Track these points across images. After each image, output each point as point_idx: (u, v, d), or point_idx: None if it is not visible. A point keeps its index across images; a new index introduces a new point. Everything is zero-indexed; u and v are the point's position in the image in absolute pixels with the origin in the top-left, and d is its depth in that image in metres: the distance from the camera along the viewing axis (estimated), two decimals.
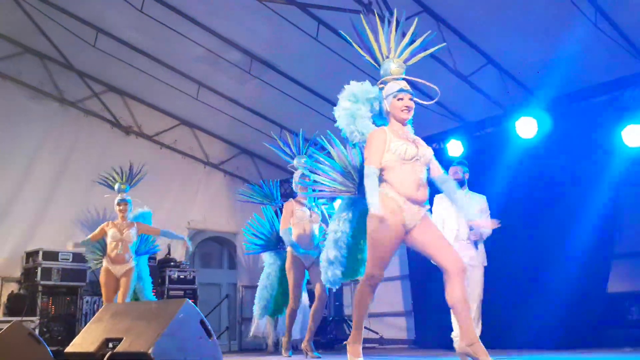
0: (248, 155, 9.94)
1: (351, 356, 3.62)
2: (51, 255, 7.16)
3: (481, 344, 3.28)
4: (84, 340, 3.11)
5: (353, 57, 6.72)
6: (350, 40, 3.86)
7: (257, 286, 5.97)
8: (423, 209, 3.48)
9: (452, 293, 3.31)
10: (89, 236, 6.30)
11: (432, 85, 3.72)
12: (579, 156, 6.20)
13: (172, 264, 8.36)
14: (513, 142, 6.50)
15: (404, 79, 3.62)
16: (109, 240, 6.20)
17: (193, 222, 9.40)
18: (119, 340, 2.87)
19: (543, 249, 6.38)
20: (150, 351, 2.63)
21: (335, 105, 7.99)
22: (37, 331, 6.21)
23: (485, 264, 5.00)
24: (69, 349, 3.18)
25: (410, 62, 3.69)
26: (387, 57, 3.67)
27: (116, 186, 6.45)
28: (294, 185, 5.73)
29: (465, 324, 3.30)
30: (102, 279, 6.15)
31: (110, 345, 2.93)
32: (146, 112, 8.87)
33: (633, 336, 5.77)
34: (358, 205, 3.80)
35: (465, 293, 3.32)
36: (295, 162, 5.77)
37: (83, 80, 8.23)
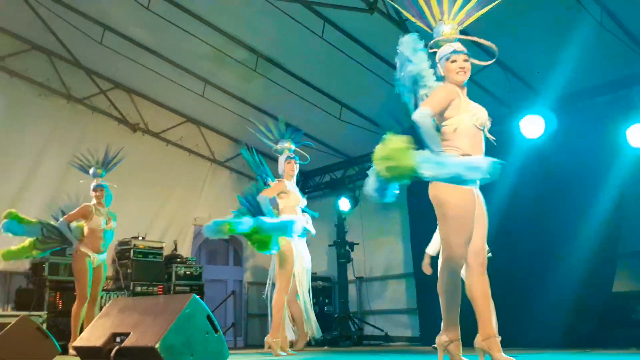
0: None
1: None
2: (59, 251, 7.17)
3: (497, 339, 3.20)
4: (91, 335, 3.14)
5: (359, 56, 6.77)
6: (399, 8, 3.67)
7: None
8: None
9: (470, 287, 3.23)
10: (64, 217, 6.01)
11: (489, 44, 3.49)
12: (584, 155, 6.19)
13: (178, 260, 8.41)
14: (518, 141, 6.50)
15: (459, 39, 3.42)
16: (92, 226, 6.00)
17: (199, 219, 9.42)
18: (126, 334, 2.90)
19: (548, 248, 6.39)
20: (157, 346, 2.66)
21: (342, 103, 8.08)
22: (44, 326, 6.24)
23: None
24: (76, 343, 3.21)
25: (466, 23, 3.45)
26: (441, 21, 3.44)
27: (91, 170, 6.23)
28: (280, 169, 5.62)
29: (482, 318, 3.21)
30: (83, 266, 5.89)
31: (118, 339, 2.95)
32: (153, 109, 8.91)
33: (638, 336, 5.76)
34: None
35: (484, 287, 3.22)
36: (279, 146, 5.72)
37: (90, 77, 8.26)
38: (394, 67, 7.42)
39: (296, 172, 5.58)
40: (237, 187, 9.90)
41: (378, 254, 9.31)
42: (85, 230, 6.07)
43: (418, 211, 8.02)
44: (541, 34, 5.78)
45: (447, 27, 3.42)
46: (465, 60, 3.36)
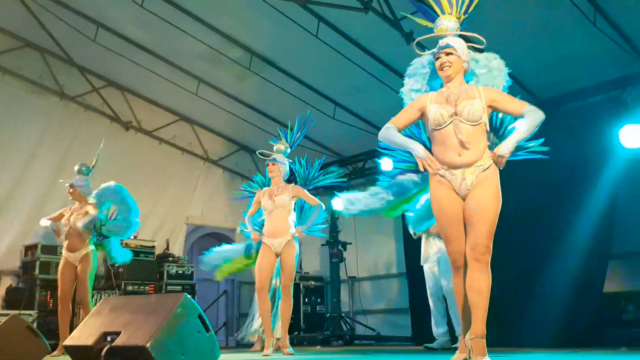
0: (247, 151, 9.95)
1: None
2: (50, 249, 7.17)
3: (481, 340, 3.06)
4: (82, 334, 3.12)
5: (353, 55, 6.76)
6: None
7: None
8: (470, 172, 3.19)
9: (467, 280, 3.13)
10: None
11: (476, 36, 3.42)
12: (576, 156, 6.21)
13: (170, 259, 8.38)
14: None
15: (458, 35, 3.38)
16: None
17: (191, 218, 9.43)
18: (117, 333, 2.88)
19: (540, 248, 6.40)
20: (148, 345, 2.64)
21: (334, 102, 8.11)
22: (35, 324, 6.21)
23: None
24: (67, 342, 3.19)
25: (471, 9, 3.40)
26: (442, 16, 3.41)
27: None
28: (285, 173, 5.49)
29: (473, 315, 3.08)
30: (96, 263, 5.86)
31: (109, 338, 2.94)
32: (146, 107, 8.88)
33: (629, 336, 5.79)
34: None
35: (477, 283, 3.09)
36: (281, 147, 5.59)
37: (83, 75, 8.23)
38: (388, 66, 7.48)
39: (275, 173, 5.40)
40: (230, 186, 9.90)
41: (370, 254, 9.31)
42: None
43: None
44: (534, 34, 5.79)
45: (438, 23, 3.38)
46: (449, 54, 3.29)
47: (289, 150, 5.64)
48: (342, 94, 7.80)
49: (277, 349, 5.34)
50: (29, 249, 7.34)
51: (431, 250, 6.33)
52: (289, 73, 7.52)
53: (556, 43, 5.63)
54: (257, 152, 5.71)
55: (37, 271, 7.04)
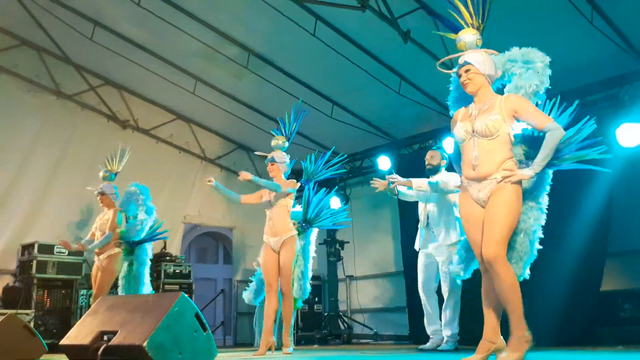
0: (244, 150, 9.94)
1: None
2: (47, 248, 7.15)
3: (484, 341, 3.23)
4: (79, 333, 3.11)
5: (350, 54, 6.76)
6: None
7: (251, 282, 5.83)
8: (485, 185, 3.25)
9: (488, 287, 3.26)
10: None
11: (492, 52, 3.48)
12: None
13: (167, 258, 8.37)
14: None
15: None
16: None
17: (189, 217, 9.41)
18: (114, 333, 2.88)
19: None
20: (144, 344, 2.64)
21: (332, 100, 8.07)
22: (32, 324, 6.21)
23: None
24: (63, 341, 3.18)
25: (486, 13, 3.46)
26: (466, 29, 3.44)
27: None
28: (285, 169, 5.48)
29: (510, 318, 3.17)
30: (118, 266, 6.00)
31: (105, 338, 2.93)
32: (143, 106, 8.86)
33: (626, 334, 5.80)
34: None
35: (484, 286, 3.26)
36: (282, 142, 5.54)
37: (80, 73, 8.21)
38: (385, 65, 7.48)
39: (274, 173, 5.41)
40: (228, 185, 9.80)
41: (368, 253, 9.32)
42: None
43: (409, 210, 8.02)
44: (531, 32, 5.78)
45: (464, 37, 3.39)
46: (467, 71, 3.32)
47: (287, 143, 5.56)
48: (340, 92, 7.79)
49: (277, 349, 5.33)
50: (26, 248, 7.32)
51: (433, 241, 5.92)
52: (286, 72, 7.51)
53: (553, 41, 5.62)
54: (254, 153, 5.66)
55: (34, 270, 7.01)
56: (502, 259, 3.13)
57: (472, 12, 3.42)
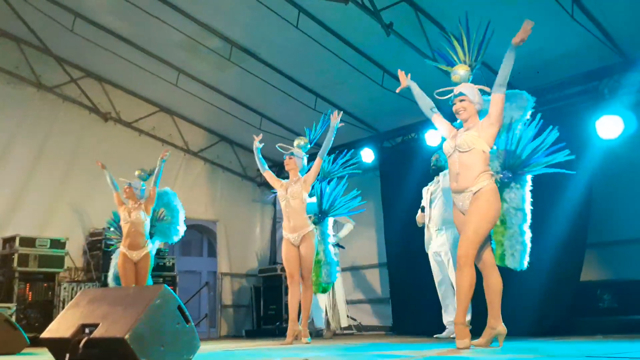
0: (228, 143, 9.91)
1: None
2: (28, 242, 7.09)
3: (463, 327, 3.59)
4: (60, 326, 3.09)
5: (333, 46, 6.76)
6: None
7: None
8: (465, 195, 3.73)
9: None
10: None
11: (484, 88, 3.92)
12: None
13: None
14: None
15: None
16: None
17: None
18: (95, 325, 2.87)
19: None
20: (126, 337, 2.64)
21: (315, 93, 8.12)
22: (14, 318, 6.16)
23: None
24: (44, 334, 3.16)
25: (480, 57, 4.00)
26: (459, 65, 3.99)
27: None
28: (301, 166, 5.73)
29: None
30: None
31: (87, 330, 2.92)
32: (125, 98, 8.80)
33: (604, 324, 5.90)
34: None
35: (458, 279, 3.67)
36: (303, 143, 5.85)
37: (61, 65, 8.13)
38: (368, 57, 7.47)
39: (290, 167, 5.64)
40: (211, 177, 9.86)
41: (352, 244, 9.33)
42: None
43: (392, 202, 8.07)
44: (512, 26, 5.81)
45: (458, 71, 3.92)
46: (462, 101, 3.78)
47: (309, 145, 5.89)
48: (323, 85, 7.78)
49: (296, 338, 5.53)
50: (7, 241, 7.25)
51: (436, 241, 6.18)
52: (269, 64, 7.49)
53: (533, 34, 5.65)
54: (276, 146, 5.80)
55: (15, 264, 6.95)
56: (467, 260, 3.58)
57: (467, 51, 3.94)
